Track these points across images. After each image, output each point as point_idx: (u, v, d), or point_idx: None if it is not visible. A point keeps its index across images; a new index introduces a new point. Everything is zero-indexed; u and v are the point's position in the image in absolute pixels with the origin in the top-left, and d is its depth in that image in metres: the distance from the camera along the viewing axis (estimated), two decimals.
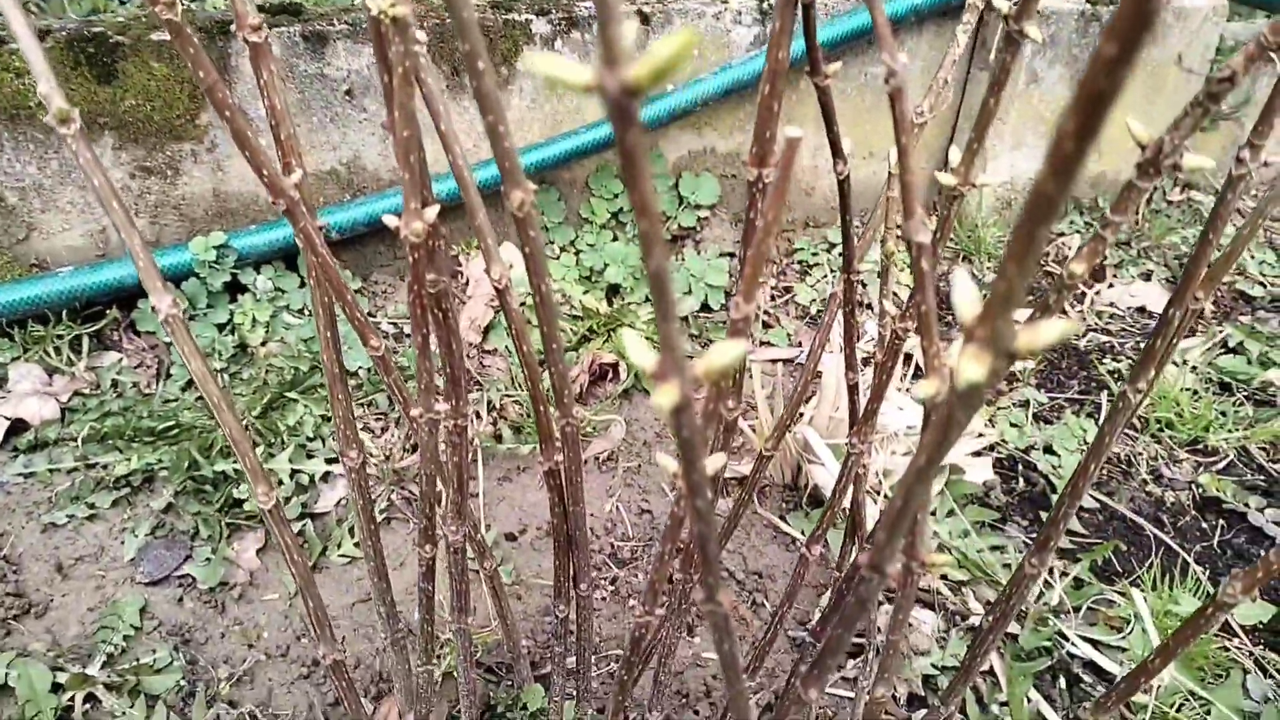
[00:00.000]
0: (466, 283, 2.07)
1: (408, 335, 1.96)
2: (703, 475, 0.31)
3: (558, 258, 2.12)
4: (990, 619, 0.83)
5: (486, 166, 1.95)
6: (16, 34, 0.58)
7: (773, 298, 2.19)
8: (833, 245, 2.31)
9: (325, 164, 1.93)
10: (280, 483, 1.55)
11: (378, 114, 1.90)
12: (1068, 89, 2.33)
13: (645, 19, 2.05)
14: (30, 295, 1.77)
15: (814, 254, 2.31)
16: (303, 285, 1.94)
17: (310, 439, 1.64)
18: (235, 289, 1.90)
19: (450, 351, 0.72)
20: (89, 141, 0.64)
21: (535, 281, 0.66)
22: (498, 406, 1.72)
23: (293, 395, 1.75)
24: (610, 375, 1.85)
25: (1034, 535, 1.55)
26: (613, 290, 2.08)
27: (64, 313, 1.83)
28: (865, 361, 1.76)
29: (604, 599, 1.45)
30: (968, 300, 0.25)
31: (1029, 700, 1.28)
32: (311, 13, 1.85)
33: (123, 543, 1.48)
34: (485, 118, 0.52)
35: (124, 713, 1.23)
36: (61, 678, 1.27)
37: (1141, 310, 2.23)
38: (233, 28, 1.73)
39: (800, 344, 2.02)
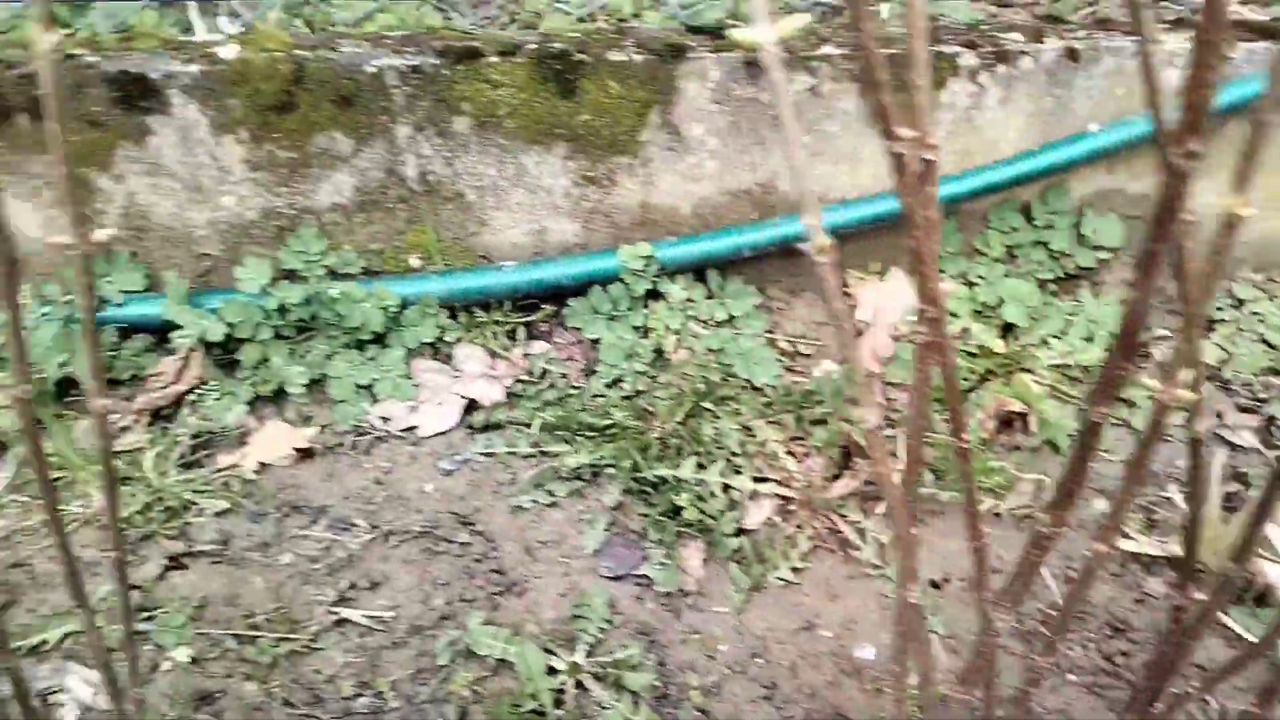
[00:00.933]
0: (853, 307, 2.11)
1: (802, 354, 2.03)
2: None
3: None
4: None
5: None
6: None
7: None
8: (1241, 301, 2.19)
9: (742, 184, 2.01)
10: (713, 494, 1.66)
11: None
12: None
13: (1074, 55, 2.00)
14: (479, 285, 1.97)
15: (1219, 309, 2.19)
16: (710, 296, 2.05)
17: (735, 454, 1.74)
18: (650, 295, 2.02)
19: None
20: None
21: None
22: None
23: (707, 405, 1.86)
24: (1017, 424, 1.85)
25: None
26: (1007, 328, 2.07)
27: (504, 303, 2.01)
28: None
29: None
30: None
31: None
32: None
33: (581, 533, 1.64)
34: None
35: (611, 705, 1.38)
36: (552, 660, 1.43)
37: None
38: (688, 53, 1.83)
39: (1220, 416, 1.94)
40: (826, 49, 1.90)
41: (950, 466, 1.71)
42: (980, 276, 2.12)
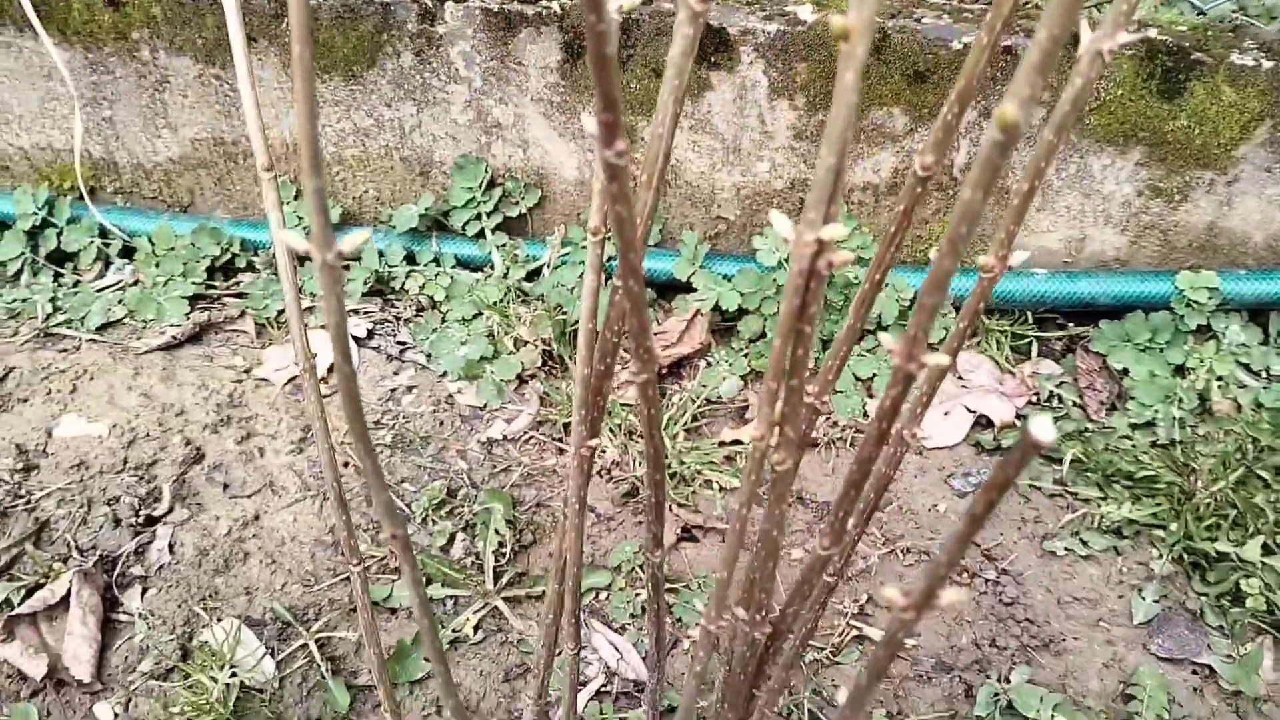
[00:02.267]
0: None
1: None
2: None
3: None
4: None
5: None
6: None
7: None
8: None
9: None
10: None
11: None
12: None
13: None
14: (1004, 290, 1.82)
15: None
16: (1266, 343, 1.78)
17: None
18: (1198, 331, 1.79)
19: None
20: None
21: None
22: None
23: (1261, 473, 1.62)
24: None
25: None
26: None
27: (1023, 314, 1.85)
28: None
29: None
30: None
31: None
32: None
33: (1121, 596, 1.48)
34: None
35: None
36: None
37: None
38: None
39: None
40: None
41: None
42: None
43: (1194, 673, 1.39)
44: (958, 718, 1.35)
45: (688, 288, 1.87)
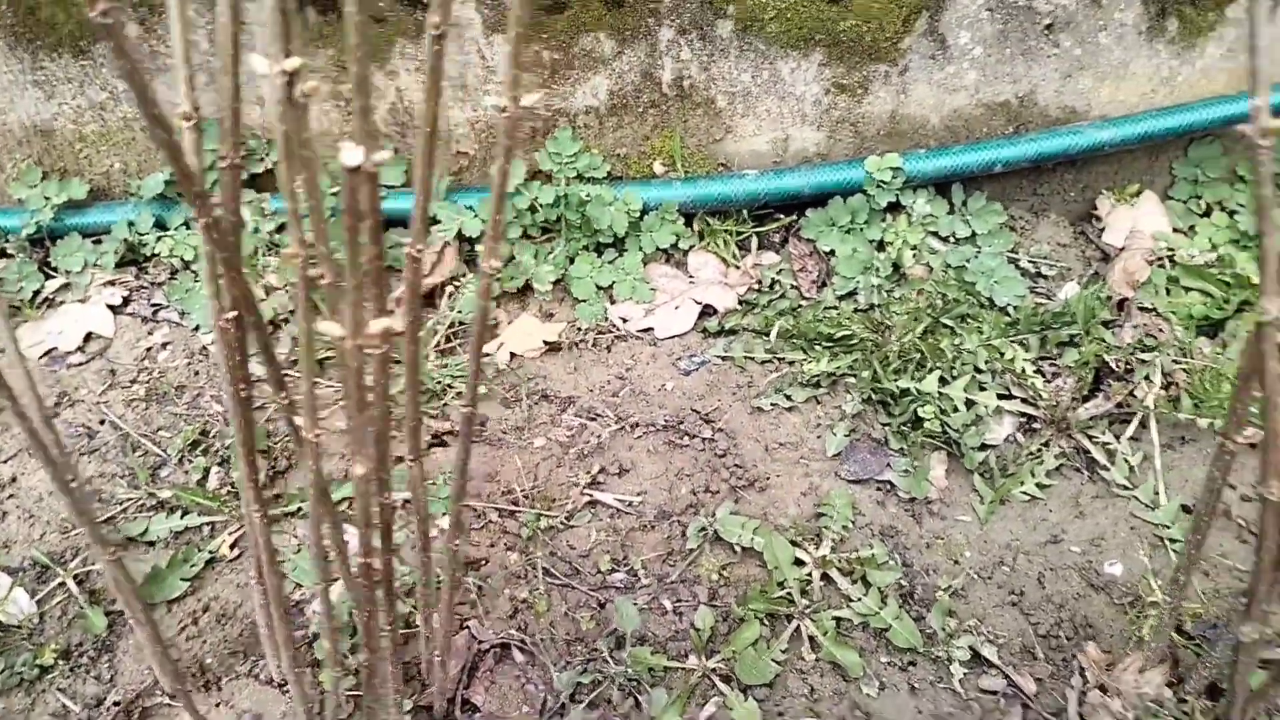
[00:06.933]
0: (1101, 230, 2.03)
1: (1045, 276, 1.96)
2: None
3: (1207, 214, 2.01)
4: None
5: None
6: None
7: None
8: None
9: (1000, 96, 1.95)
10: (956, 409, 1.65)
11: (1070, 50, 1.87)
12: None
13: None
14: (721, 192, 1.99)
15: None
16: (951, 212, 2.00)
17: (979, 370, 1.72)
18: (890, 209, 2.00)
19: None
20: None
21: None
22: (1168, 372, 1.70)
23: (947, 322, 1.84)
24: None
25: None
26: None
27: (740, 211, 2.03)
28: None
29: None
30: None
31: None
32: None
33: (819, 437, 1.67)
34: None
35: (859, 599, 1.41)
36: (799, 553, 1.47)
37: None
38: None
39: None
40: None
41: (1208, 393, 1.64)
42: (1240, 204, 2.00)
43: (878, 489, 1.59)
44: (674, 554, 1.51)
45: (436, 222, 1.98)
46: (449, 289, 1.95)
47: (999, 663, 1.34)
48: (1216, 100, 1.90)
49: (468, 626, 1.40)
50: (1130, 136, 1.90)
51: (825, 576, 1.45)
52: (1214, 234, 1.97)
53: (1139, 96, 1.94)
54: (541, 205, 1.94)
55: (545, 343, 1.84)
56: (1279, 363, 0.76)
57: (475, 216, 1.95)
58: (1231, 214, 2.00)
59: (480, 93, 1.96)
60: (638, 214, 1.98)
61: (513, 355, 1.84)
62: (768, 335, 1.84)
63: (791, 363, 1.79)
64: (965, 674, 1.33)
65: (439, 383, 1.77)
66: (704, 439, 1.67)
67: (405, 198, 2.00)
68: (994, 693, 1.32)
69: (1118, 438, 1.62)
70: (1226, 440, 1.00)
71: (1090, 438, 1.62)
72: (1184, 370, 1.70)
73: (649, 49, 1.90)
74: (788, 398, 1.72)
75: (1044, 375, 1.72)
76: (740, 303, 1.94)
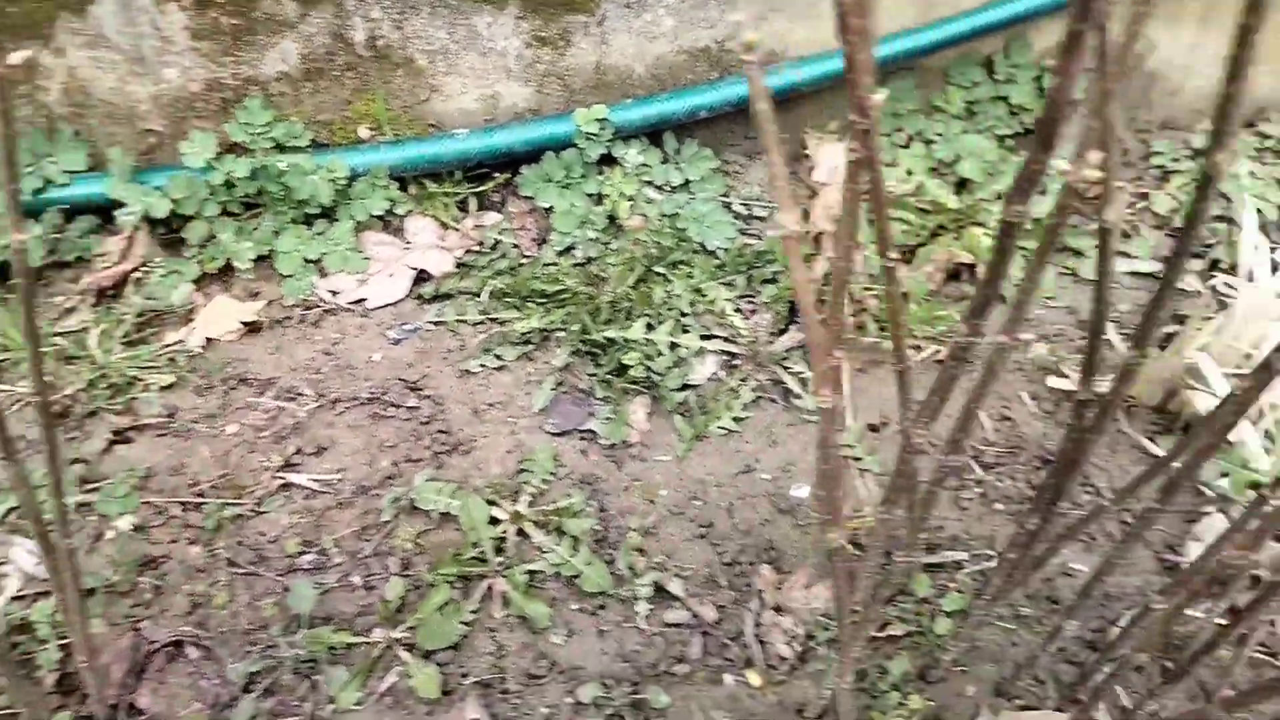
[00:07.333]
0: (811, 169, 2.08)
1: (757, 217, 2.00)
2: None
3: (907, 146, 2.09)
4: None
5: None
6: None
7: (1131, 205, 2.09)
8: (1197, 152, 2.15)
9: (700, 42, 1.96)
10: (660, 353, 1.66)
11: None
12: None
13: None
14: (430, 153, 1.93)
15: (1174, 159, 2.16)
16: (666, 161, 2.01)
17: (685, 314, 1.74)
18: (605, 161, 1.99)
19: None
20: None
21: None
22: (858, 299, 1.76)
23: (660, 270, 1.85)
24: (965, 275, 1.84)
25: None
26: (961, 184, 2.04)
27: (455, 173, 1.99)
28: None
29: (970, 500, 1.50)
30: None
31: None
32: None
33: (528, 394, 1.65)
34: None
35: (551, 549, 1.40)
36: (495, 511, 1.45)
37: None
38: None
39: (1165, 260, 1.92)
40: None
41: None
42: (938, 134, 2.08)
43: (581, 439, 1.59)
44: (370, 529, 1.46)
45: (118, 205, 1.85)
46: (136, 275, 1.83)
47: (683, 595, 1.36)
48: (906, 33, 1.96)
49: (139, 628, 1.32)
50: (824, 75, 1.94)
51: (521, 532, 1.44)
52: (913, 164, 2.05)
53: (832, 35, 2.00)
54: (238, 179, 1.84)
55: (243, 323, 1.75)
56: (804, 271, 0.77)
57: (165, 197, 1.84)
58: (929, 143, 2.08)
59: (158, 65, 1.83)
60: (345, 181, 1.90)
61: (209, 340, 1.75)
62: (478, 296, 1.80)
63: (504, 322, 1.76)
64: (650, 610, 1.34)
65: (124, 376, 1.66)
66: (408, 408, 1.63)
67: (91, 181, 1.86)
68: (678, 625, 1.33)
69: (810, 366, 1.67)
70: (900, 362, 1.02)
71: (785, 369, 1.66)
72: (875, 296, 1.76)
73: (335, 8, 1.82)
74: (498, 358, 1.70)
75: (743, 313, 1.75)
76: (458, 265, 1.90)
